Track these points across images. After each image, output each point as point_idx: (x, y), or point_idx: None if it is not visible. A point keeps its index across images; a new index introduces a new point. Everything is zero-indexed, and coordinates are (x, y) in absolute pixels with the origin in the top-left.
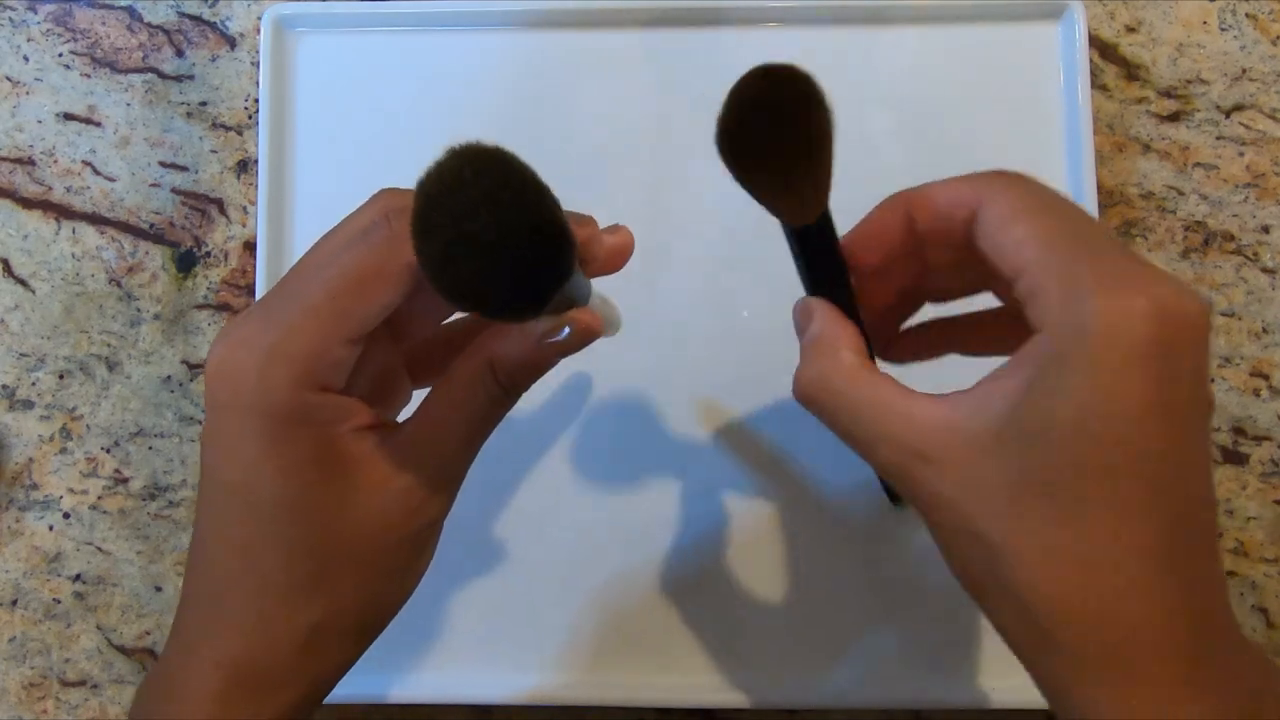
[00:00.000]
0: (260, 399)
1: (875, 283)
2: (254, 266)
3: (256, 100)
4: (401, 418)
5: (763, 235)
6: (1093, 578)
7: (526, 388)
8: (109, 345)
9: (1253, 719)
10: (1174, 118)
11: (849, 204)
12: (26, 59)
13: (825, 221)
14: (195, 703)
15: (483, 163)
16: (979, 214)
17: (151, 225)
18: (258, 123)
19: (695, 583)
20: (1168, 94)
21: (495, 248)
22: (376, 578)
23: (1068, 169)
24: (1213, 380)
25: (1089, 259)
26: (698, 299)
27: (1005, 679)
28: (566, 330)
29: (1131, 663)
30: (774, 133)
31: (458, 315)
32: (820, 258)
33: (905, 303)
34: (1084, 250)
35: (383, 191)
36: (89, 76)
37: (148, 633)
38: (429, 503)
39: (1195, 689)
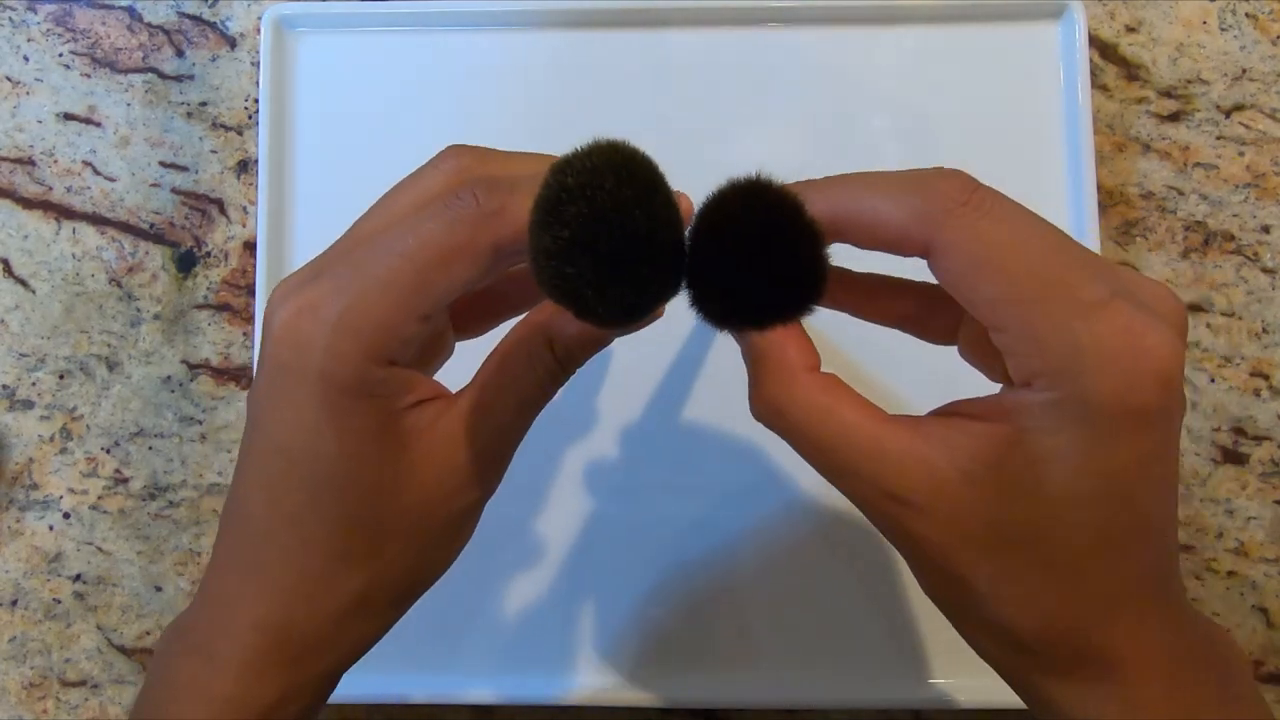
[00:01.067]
0: (327, 368)
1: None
2: (254, 266)
3: (256, 100)
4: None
5: None
6: (1083, 621)
7: (582, 364)
8: (109, 345)
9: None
10: (1174, 118)
11: None
12: (26, 59)
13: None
14: (231, 663)
15: (626, 167)
16: (934, 257)
17: (151, 225)
18: (258, 123)
19: (695, 583)
20: (1168, 94)
21: (616, 260)
22: (421, 550)
23: (1068, 169)
24: (1212, 380)
25: (1078, 315)
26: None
27: None
28: None
29: (1124, 688)
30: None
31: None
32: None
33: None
34: (1069, 301)
35: (452, 150)
36: (89, 76)
37: (148, 633)
38: (480, 478)
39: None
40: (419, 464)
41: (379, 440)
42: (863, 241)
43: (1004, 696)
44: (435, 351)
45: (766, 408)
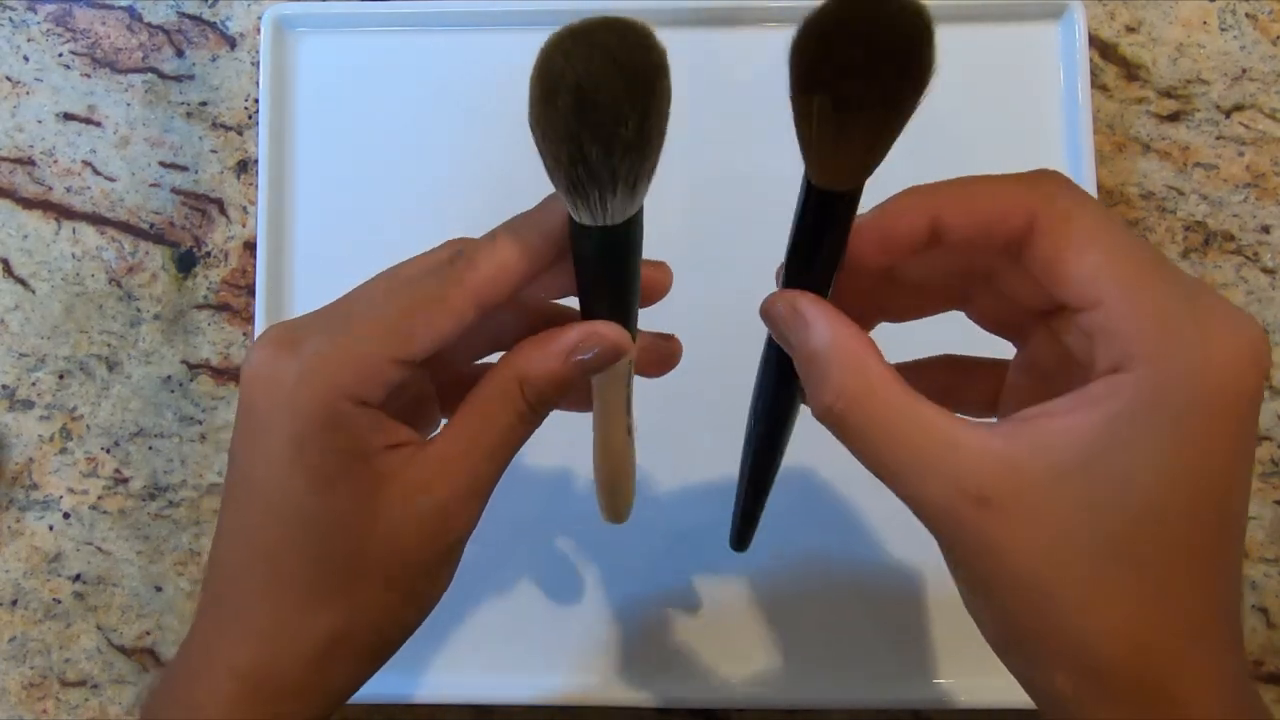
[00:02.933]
0: (295, 404)
1: (856, 283)
2: (254, 266)
3: (256, 100)
4: None
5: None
6: (1168, 644)
7: (554, 405)
8: (109, 345)
9: None
10: (1174, 118)
11: None
12: (26, 59)
13: (856, 196)
14: (209, 709)
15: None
16: (1037, 229)
17: (151, 225)
18: (258, 123)
19: (695, 583)
20: (1168, 94)
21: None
22: (397, 593)
23: (1068, 169)
24: None
25: (1183, 300)
26: (701, 298)
27: (1006, 679)
28: (594, 351)
29: None
30: (895, 81)
31: (493, 356)
32: (831, 237)
33: (868, 316)
34: (1172, 288)
35: (452, 240)
36: (89, 76)
37: (148, 633)
38: (456, 519)
39: None
40: (392, 505)
41: (349, 478)
42: (960, 223)
43: (1003, 696)
44: (421, 419)
45: (840, 401)
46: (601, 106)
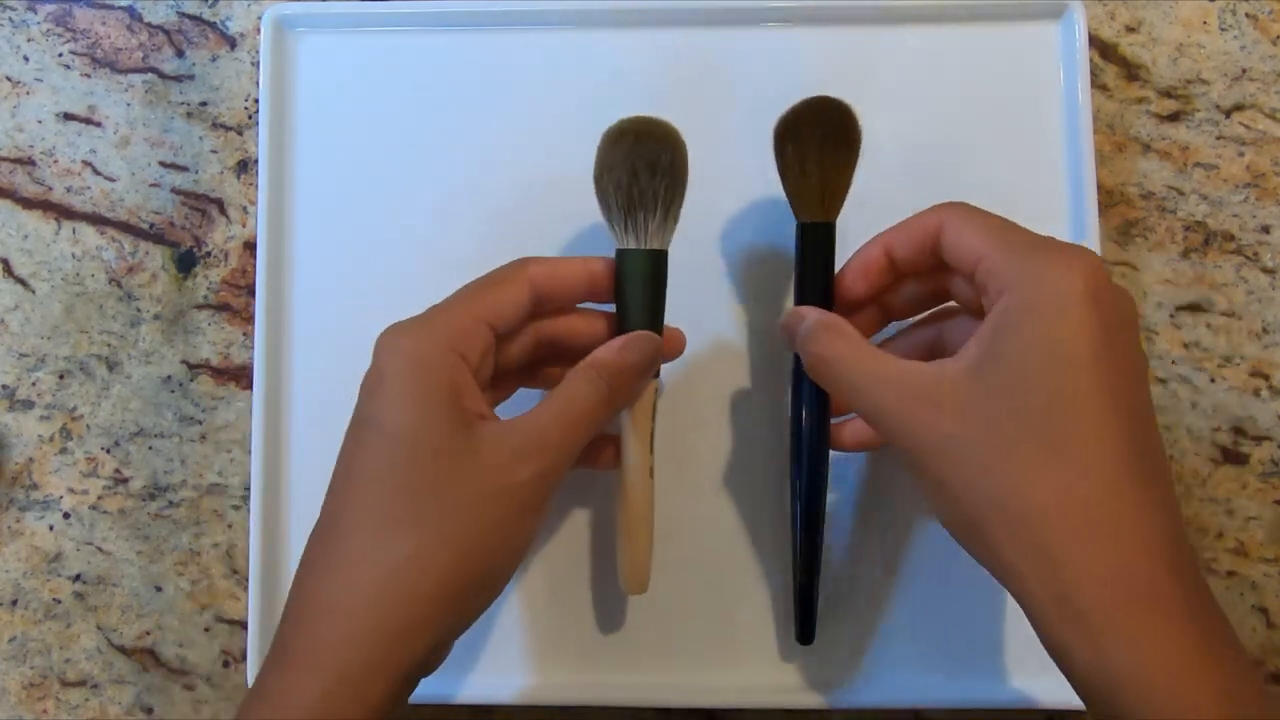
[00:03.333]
0: (414, 354)
1: (853, 314)
2: (254, 266)
3: (256, 100)
4: None
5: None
6: (1086, 490)
7: (624, 391)
8: (109, 345)
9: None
10: (1174, 118)
11: (851, 200)
12: (26, 59)
13: (832, 228)
14: (339, 651)
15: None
16: (943, 231)
17: (151, 225)
18: (258, 123)
19: (695, 583)
20: (1168, 94)
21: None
22: (486, 523)
23: (1068, 169)
24: (1212, 380)
25: (1028, 242)
26: (702, 299)
27: (1006, 679)
28: (640, 346)
29: (1122, 572)
30: (830, 137)
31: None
32: (820, 257)
33: (873, 326)
34: (1023, 237)
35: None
36: (89, 76)
37: (148, 633)
38: (537, 462)
39: (1185, 610)
40: (484, 441)
41: (450, 411)
42: (902, 247)
43: (1005, 696)
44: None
45: (823, 353)
46: (650, 143)
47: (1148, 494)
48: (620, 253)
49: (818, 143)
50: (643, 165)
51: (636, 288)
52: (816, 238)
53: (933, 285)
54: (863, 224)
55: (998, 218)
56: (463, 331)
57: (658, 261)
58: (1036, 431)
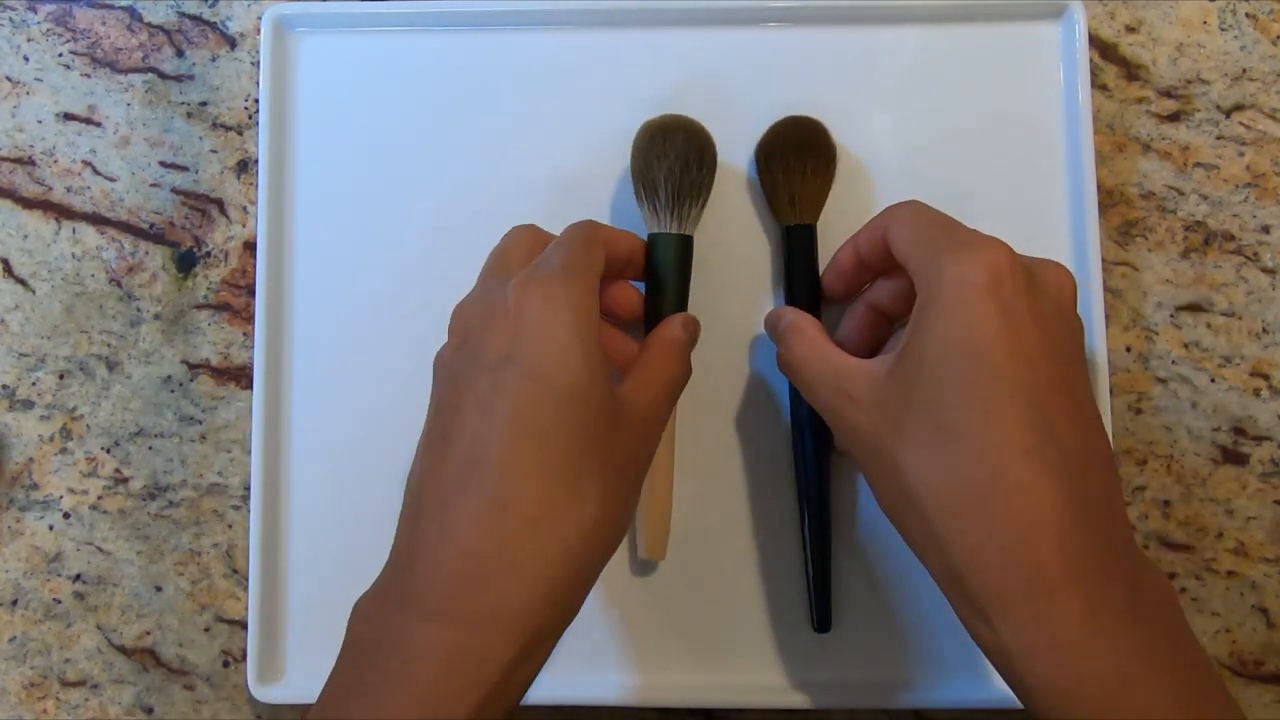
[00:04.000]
0: (576, 301)
1: (846, 312)
2: (254, 266)
3: (256, 100)
4: None
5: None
6: (973, 474)
7: (687, 363)
8: (109, 345)
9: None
10: (1174, 118)
11: (850, 201)
12: (26, 59)
13: (812, 229)
14: (503, 610)
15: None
16: (888, 230)
17: (151, 225)
18: (258, 123)
19: (696, 583)
20: (1168, 94)
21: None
22: (631, 485)
23: (1068, 169)
24: (1212, 380)
25: (944, 238)
26: (709, 292)
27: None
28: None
29: (1024, 555)
30: (801, 150)
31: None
32: (802, 257)
33: (868, 326)
34: (942, 233)
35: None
36: (89, 76)
37: (148, 633)
38: (660, 422)
39: (1093, 587)
40: (625, 406)
41: (605, 369)
42: (865, 247)
43: (1004, 696)
44: None
45: (788, 355)
46: (699, 138)
47: (1043, 476)
48: (658, 237)
49: (785, 156)
50: (695, 157)
51: (674, 270)
52: (798, 239)
53: (907, 280)
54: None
55: (933, 215)
56: (595, 285)
57: (690, 246)
58: (930, 419)
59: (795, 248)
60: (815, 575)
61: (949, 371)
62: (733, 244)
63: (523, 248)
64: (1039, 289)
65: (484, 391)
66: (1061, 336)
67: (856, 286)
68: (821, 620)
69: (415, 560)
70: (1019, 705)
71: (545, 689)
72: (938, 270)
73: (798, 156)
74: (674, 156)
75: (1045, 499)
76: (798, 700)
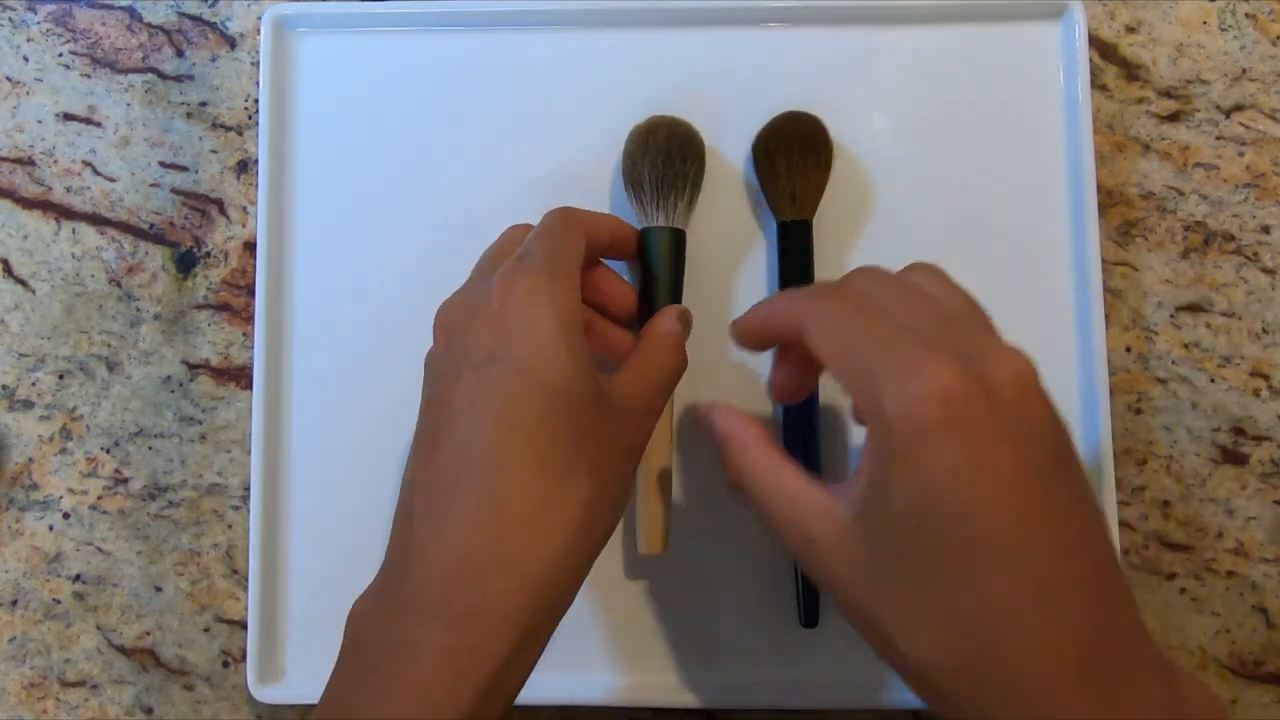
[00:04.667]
0: (558, 295)
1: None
2: (254, 266)
3: (256, 100)
4: None
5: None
6: (970, 644)
7: (682, 357)
8: (109, 345)
9: None
10: (1174, 118)
11: (851, 200)
12: (26, 59)
13: (808, 225)
14: (493, 607)
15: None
16: (805, 334)
17: (151, 225)
18: (258, 123)
19: (696, 583)
20: (1168, 94)
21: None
22: (621, 469)
23: (1068, 169)
24: (1212, 380)
25: (877, 358)
26: (702, 289)
27: None
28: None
29: (1022, 704)
30: (799, 145)
31: None
32: (798, 252)
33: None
34: (874, 352)
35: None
36: (89, 76)
37: (148, 633)
38: (652, 414)
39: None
40: (613, 398)
41: (590, 362)
42: (779, 334)
43: None
44: None
45: (732, 477)
46: (681, 134)
47: (1047, 632)
48: (647, 231)
49: (787, 151)
50: (676, 150)
51: (664, 263)
52: (794, 234)
53: None
54: (864, 224)
55: (855, 322)
56: (576, 277)
57: (682, 239)
58: (910, 585)
59: (792, 243)
60: (802, 571)
61: (924, 536)
62: (728, 241)
63: (513, 248)
64: (999, 398)
65: (471, 389)
66: (1035, 450)
67: (767, 348)
68: (809, 615)
69: (410, 561)
70: None
71: (541, 689)
72: (880, 404)
73: (800, 151)
74: (656, 151)
75: (1051, 659)
76: (797, 700)
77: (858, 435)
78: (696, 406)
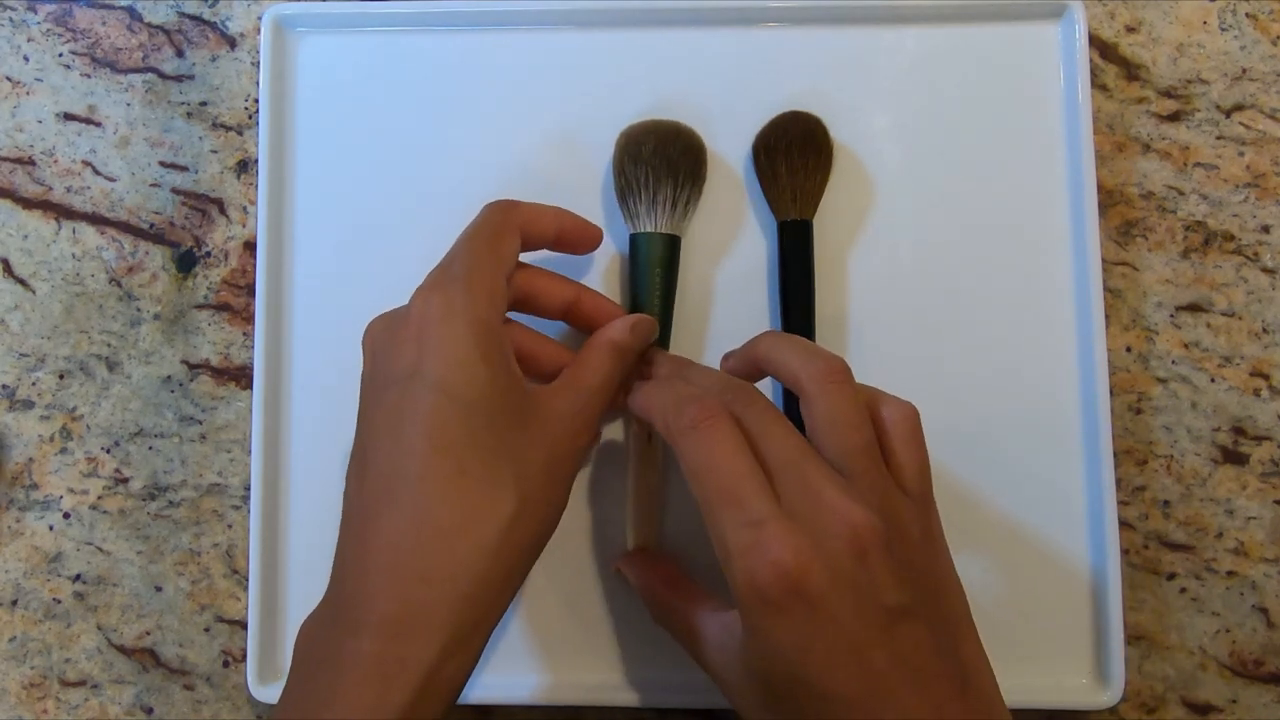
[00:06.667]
0: (468, 308)
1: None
2: (254, 266)
3: (256, 100)
4: None
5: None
6: None
7: (629, 368)
8: (109, 345)
9: None
10: (1174, 118)
11: (851, 200)
12: (26, 59)
13: (808, 225)
14: (414, 618)
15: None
16: (680, 462)
17: (151, 225)
18: (258, 123)
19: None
20: (1168, 94)
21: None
22: (547, 482)
23: (1068, 169)
24: (1212, 380)
25: (726, 528)
26: (698, 292)
27: (1004, 678)
28: (643, 326)
29: None
30: (799, 144)
31: None
32: (797, 251)
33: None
34: (722, 518)
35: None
36: (89, 76)
37: (148, 633)
38: (584, 429)
39: None
40: (540, 407)
41: (510, 373)
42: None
43: (1004, 696)
44: None
45: (657, 620)
46: (677, 138)
47: None
48: (634, 236)
49: (787, 150)
50: (677, 152)
51: (647, 269)
52: (794, 234)
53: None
54: (864, 224)
55: (706, 480)
56: (498, 289)
57: (674, 246)
58: None
59: (792, 243)
60: None
61: (784, 692)
62: (727, 240)
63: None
64: (836, 567)
65: (393, 408)
66: (875, 606)
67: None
68: None
69: (344, 578)
70: (1018, 705)
71: (542, 690)
72: (733, 577)
73: (800, 151)
74: (649, 156)
75: None
76: None
77: None
78: (617, 560)
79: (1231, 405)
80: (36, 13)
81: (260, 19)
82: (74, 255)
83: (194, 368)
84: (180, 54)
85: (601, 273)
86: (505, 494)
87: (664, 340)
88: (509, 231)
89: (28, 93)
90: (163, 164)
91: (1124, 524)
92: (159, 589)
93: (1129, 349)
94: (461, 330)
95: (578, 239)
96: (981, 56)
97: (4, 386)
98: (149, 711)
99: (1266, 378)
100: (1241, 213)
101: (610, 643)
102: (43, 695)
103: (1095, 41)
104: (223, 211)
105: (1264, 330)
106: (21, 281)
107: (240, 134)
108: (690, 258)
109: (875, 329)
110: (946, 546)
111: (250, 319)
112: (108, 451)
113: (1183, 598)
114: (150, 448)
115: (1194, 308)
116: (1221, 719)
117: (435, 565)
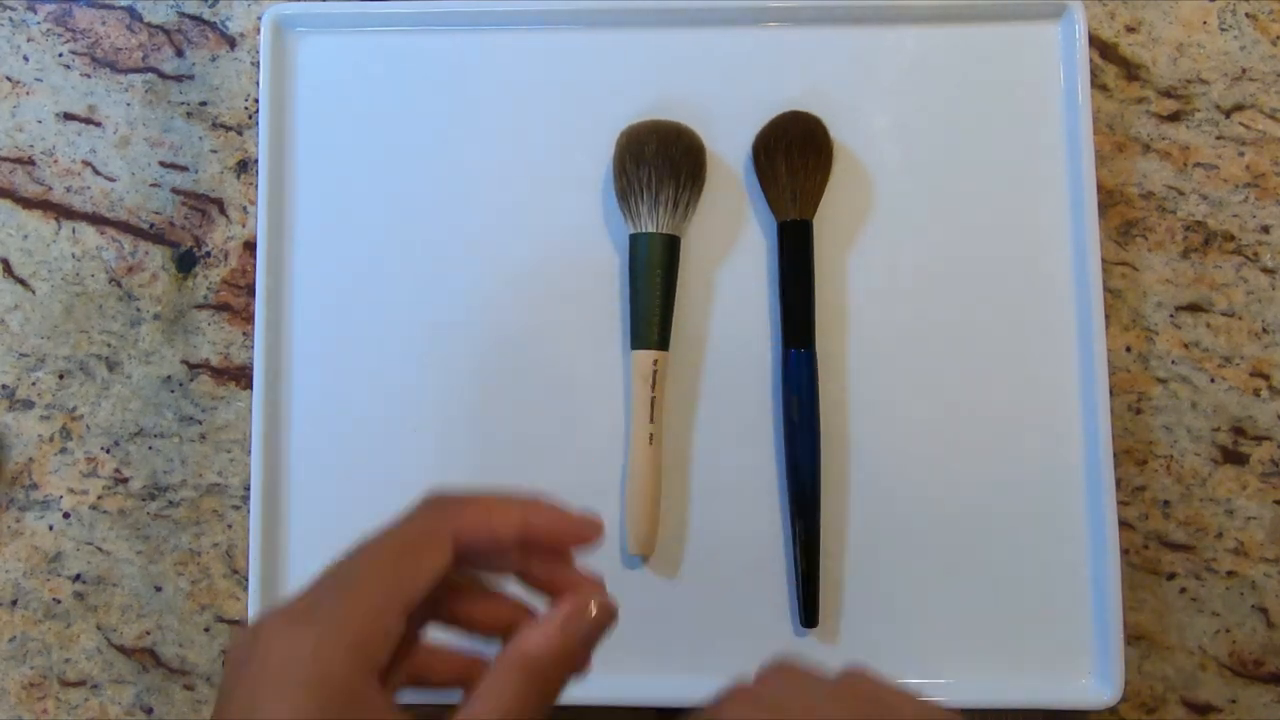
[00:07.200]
0: (313, 658)
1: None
2: (254, 266)
3: (256, 100)
4: None
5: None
6: None
7: (560, 684)
8: (109, 345)
9: None
10: (1174, 118)
11: (851, 200)
12: (26, 59)
13: (808, 225)
14: None
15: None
16: None
17: (151, 225)
18: (258, 123)
19: (696, 582)
20: (1168, 94)
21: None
22: None
23: (1068, 169)
24: (1212, 380)
25: None
26: (699, 290)
27: (1006, 679)
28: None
29: None
30: (799, 145)
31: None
32: (797, 251)
33: None
34: None
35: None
36: (89, 76)
37: (147, 633)
38: None
39: None
40: None
41: None
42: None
43: (1004, 696)
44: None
45: None
46: (678, 140)
47: None
48: (637, 237)
49: (787, 150)
50: (679, 152)
51: (654, 270)
52: (794, 234)
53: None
54: (864, 224)
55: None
56: (374, 631)
57: (674, 246)
58: None
59: (792, 243)
60: (802, 571)
61: None
62: (727, 240)
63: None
64: None
65: None
66: None
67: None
68: (809, 615)
69: None
70: (1018, 705)
71: None
72: None
73: (800, 151)
74: (651, 156)
75: None
76: None
77: (858, 433)
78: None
79: (1231, 405)
80: (36, 13)
81: (260, 19)
82: (74, 255)
83: (194, 368)
84: (180, 54)
85: (602, 273)
86: None
87: (664, 340)
88: (431, 546)
89: (28, 93)
90: (163, 164)
91: (1124, 524)
92: (159, 589)
93: (1129, 349)
94: (300, 698)
95: (559, 537)
96: (981, 56)
97: (4, 386)
98: (149, 711)
99: (1266, 378)
100: (1241, 213)
101: (611, 643)
102: (43, 695)
103: (1095, 41)
104: (223, 211)
105: (1264, 330)
106: (21, 281)
107: (240, 134)
108: (690, 258)
109: (875, 329)
110: None
111: (250, 319)
112: (107, 451)
113: (1183, 598)
114: (150, 448)
115: (1194, 308)
116: (1221, 719)
117: None
